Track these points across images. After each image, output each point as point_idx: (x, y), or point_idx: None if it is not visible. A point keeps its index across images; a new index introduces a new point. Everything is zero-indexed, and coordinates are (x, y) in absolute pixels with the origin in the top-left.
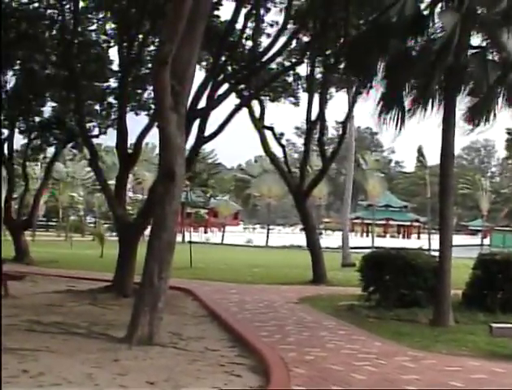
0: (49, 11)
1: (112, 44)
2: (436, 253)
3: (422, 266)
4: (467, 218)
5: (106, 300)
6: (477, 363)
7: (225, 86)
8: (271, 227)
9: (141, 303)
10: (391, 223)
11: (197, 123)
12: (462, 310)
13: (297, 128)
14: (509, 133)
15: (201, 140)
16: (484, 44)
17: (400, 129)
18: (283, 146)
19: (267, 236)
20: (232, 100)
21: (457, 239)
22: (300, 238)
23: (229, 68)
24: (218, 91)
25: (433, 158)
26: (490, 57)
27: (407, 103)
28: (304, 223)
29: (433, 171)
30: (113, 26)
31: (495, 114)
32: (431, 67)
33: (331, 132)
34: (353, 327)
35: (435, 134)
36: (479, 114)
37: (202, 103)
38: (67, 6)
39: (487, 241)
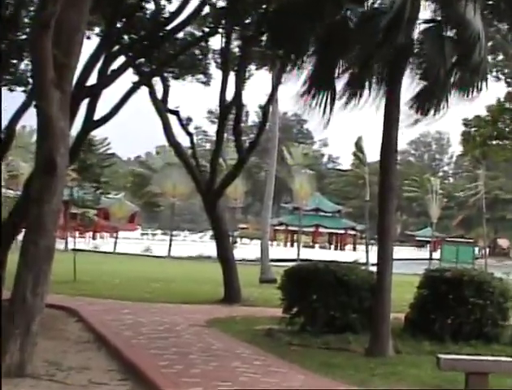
0: None
1: None
2: (375, 268)
3: (356, 284)
4: (414, 226)
5: None
6: None
7: (121, 59)
8: (174, 233)
9: (11, 324)
10: (321, 230)
11: (85, 103)
12: (405, 338)
13: (210, 113)
14: (465, 124)
15: (91, 124)
16: (439, 17)
17: (329, 117)
18: (190, 134)
19: (170, 245)
20: (129, 77)
21: (401, 251)
22: (210, 247)
23: (126, 37)
24: (112, 65)
25: (374, 154)
26: (446, 33)
27: (341, 85)
28: (215, 229)
29: (373, 169)
30: None
31: (447, 102)
32: (376, 46)
33: (252, 118)
34: (272, 356)
35: (376, 125)
36: (429, 101)
37: (93, 79)
38: None
39: (437, 255)
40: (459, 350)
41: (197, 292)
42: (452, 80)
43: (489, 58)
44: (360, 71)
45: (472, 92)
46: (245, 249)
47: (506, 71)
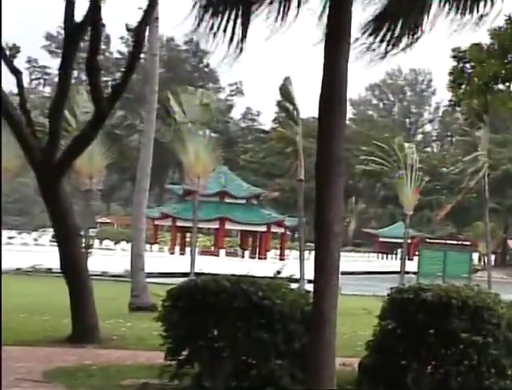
0: None
1: None
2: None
3: (283, 312)
4: (377, 220)
5: None
6: None
7: None
8: None
9: None
10: (229, 227)
11: None
12: None
13: (50, 39)
14: (456, 58)
15: None
16: None
17: (241, 46)
18: (17, 73)
19: None
20: None
21: (357, 260)
22: (51, 255)
23: None
24: None
25: (310, 106)
26: None
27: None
28: (57, 226)
29: (310, 129)
30: None
31: (420, 25)
32: None
33: (117, 47)
34: None
35: (314, 62)
36: (395, 22)
37: None
38: None
39: (413, 265)
40: None
41: (29, 327)
42: None
43: None
44: None
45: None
46: (107, 258)
47: None
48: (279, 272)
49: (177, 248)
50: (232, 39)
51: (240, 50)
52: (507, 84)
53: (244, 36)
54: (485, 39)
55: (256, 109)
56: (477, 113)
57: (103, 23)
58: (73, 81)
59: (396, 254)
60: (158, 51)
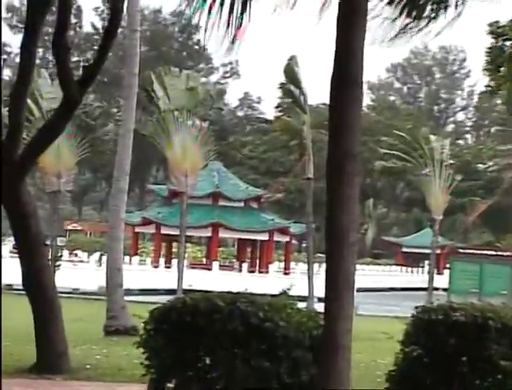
0: None
1: None
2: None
3: (288, 336)
4: (400, 227)
5: None
6: None
7: None
8: None
9: None
10: (224, 235)
11: None
12: None
13: (12, 11)
14: (495, 34)
15: None
16: None
17: (241, 23)
18: None
19: None
20: None
21: (376, 274)
22: (13, 269)
23: None
24: None
25: (320, 92)
26: None
27: None
28: (19, 234)
29: (320, 117)
30: None
31: None
32: None
33: (90, 19)
34: None
35: (324, 40)
36: None
37: None
38: None
39: (444, 280)
40: None
41: None
42: None
43: None
44: None
45: None
46: (79, 272)
47: None
48: (285, 292)
49: (162, 260)
50: (231, 11)
51: (240, 25)
52: None
53: (244, 8)
54: None
55: (256, 94)
56: None
57: None
58: (38, 62)
59: (422, 267)
60: (140, 26)
